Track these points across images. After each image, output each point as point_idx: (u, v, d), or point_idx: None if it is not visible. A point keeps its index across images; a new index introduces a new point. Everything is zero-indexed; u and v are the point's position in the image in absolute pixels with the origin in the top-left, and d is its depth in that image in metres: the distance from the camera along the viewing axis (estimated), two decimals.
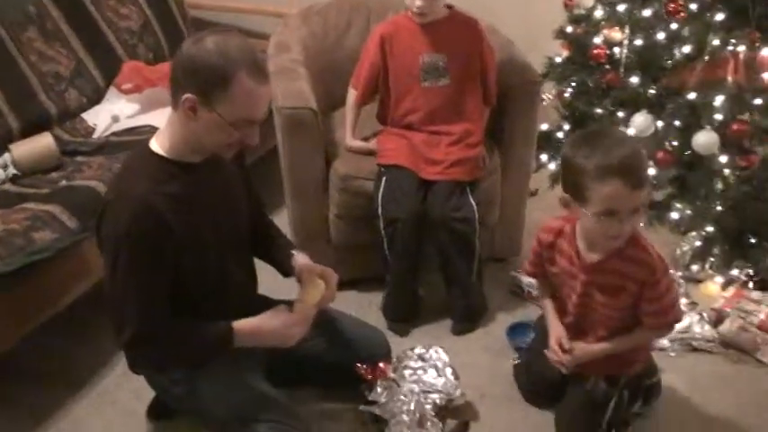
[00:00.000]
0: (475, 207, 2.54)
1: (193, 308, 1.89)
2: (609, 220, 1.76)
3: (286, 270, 2.13)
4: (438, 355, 2.30)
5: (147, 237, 1.71)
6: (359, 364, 2.16)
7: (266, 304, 2.00)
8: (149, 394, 2.19)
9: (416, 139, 2.62)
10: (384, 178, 2.56)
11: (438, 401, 2.16)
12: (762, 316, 2.54)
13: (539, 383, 2.30)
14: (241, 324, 1.88)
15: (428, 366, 2.26)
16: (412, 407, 2.11)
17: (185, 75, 1.68)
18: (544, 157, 3.16)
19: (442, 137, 2.62)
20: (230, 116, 1.69)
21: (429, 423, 2.09)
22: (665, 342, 2.52)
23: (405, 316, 2.68)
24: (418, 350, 2.31)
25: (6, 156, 2.64)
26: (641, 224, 2.69)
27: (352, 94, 2.73)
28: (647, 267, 1.84)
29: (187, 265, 1.83)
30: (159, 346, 1.85)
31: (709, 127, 2.39)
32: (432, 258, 2.61)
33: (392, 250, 2.55)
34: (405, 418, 2.08)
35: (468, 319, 2.67)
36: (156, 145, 1.80)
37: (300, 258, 2.12)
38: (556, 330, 2.10)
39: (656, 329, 2.03)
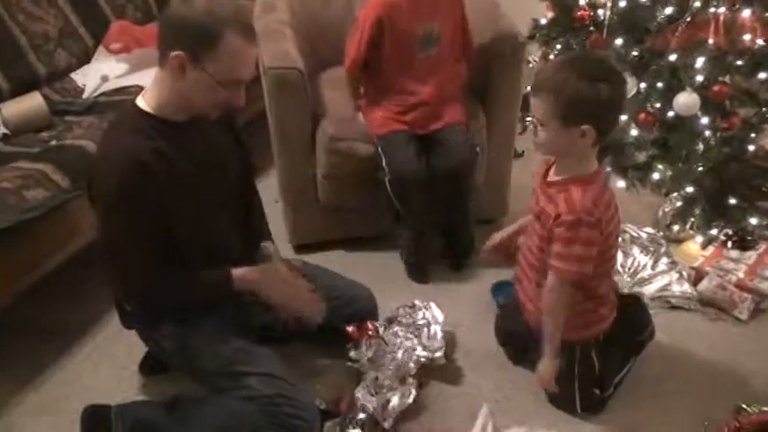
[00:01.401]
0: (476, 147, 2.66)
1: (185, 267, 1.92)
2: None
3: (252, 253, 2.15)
4: (431, 312, 2.34)
5: (137, 190, 1.72)
6: (346, 324, 2.20)
7: None
8: (142, 350, 2.24)
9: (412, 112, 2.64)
10: (380, 146, 2.58)
11: (423, 360, 2.20)
12: (740, 274, 2.60)
13: (507, 338, 2.39)
14: (240, 272, 1.94)
15: (419, 323, 2.30)
16: (396, 363, 2.15)
17: (174, 33, 1.69)
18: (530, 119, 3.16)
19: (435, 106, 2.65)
20: (218, 75, 1.70)
21: (409, 380, 2.14)
22: (645, 301, 2.58)
23: (426, 264, 2.78)
24: (409, 308, 2.35)
25: None
26: (621, 185, 2.76)
27: (350, 76, 2.70)
28: (564, 204, 1.89)
29: (175, 224, 1.85)
30: (163, 294, 1.90)
31: (690, 88, 2.41)
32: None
33: (404, 206, 2.62)
34: (388, 373, 2.13)
35: (463, 255, 2.80)
36: (143, 103, 1.81)
37: (271, 249, 2.18)
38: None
39: (553, 273, 1.98)
